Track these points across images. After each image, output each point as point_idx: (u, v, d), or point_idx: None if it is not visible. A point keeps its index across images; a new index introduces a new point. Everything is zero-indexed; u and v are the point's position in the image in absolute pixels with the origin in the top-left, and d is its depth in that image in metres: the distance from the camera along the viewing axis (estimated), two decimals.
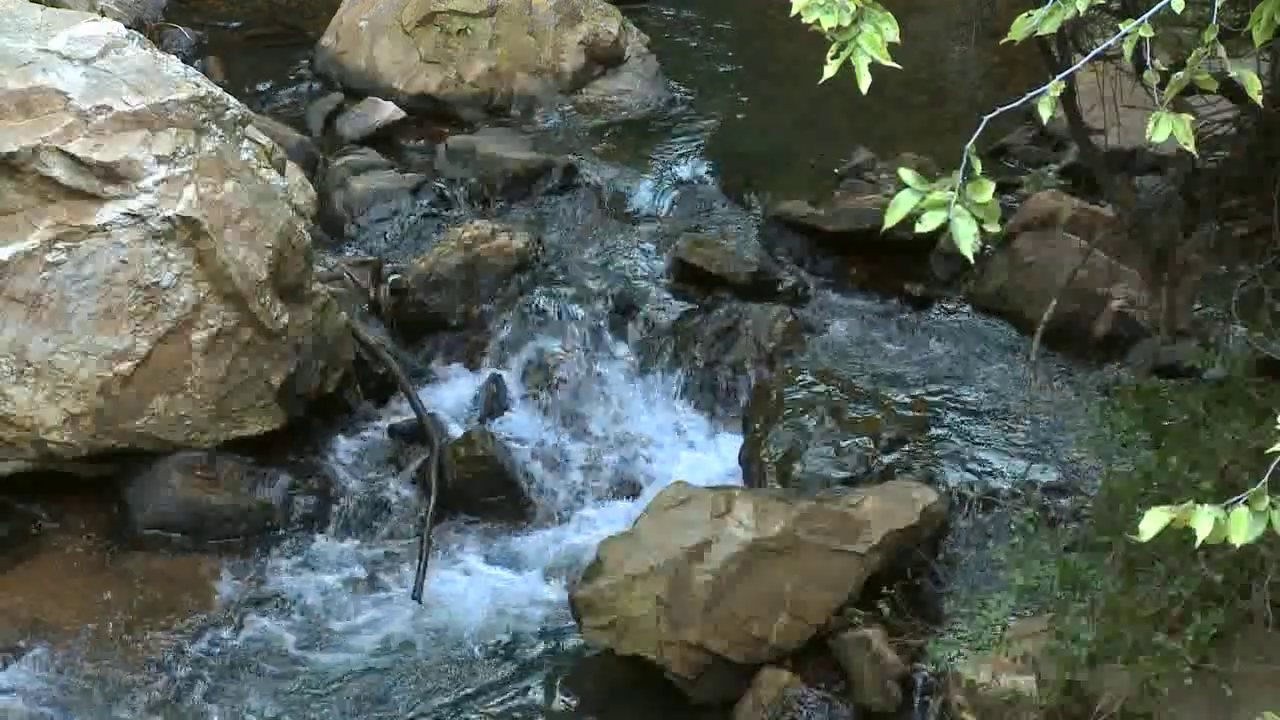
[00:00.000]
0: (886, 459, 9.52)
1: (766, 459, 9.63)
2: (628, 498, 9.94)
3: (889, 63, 4.24)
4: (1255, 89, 4.39)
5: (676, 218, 11.70)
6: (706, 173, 12.23)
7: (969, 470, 9.49)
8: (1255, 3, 4.39)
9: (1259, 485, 4.11)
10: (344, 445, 10.12)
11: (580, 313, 10.72)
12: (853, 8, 4.20)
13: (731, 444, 10.06)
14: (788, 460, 9.57)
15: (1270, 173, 7.40)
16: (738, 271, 11.00)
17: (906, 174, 4.18)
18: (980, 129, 4.22)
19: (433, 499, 9.69)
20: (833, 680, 8.46)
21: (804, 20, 4.23)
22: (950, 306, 11.00)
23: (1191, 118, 4.30)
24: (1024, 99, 4.37)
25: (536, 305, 10.76)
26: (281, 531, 9.64)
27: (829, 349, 10.62)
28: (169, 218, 9.36)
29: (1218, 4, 4.30)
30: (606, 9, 13.47)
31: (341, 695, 8.77)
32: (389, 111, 12.65)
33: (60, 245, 9.28)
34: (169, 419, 9.56)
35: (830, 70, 4.27)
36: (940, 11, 13.25)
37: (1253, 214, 7.79)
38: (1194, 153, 4.43)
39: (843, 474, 9.45)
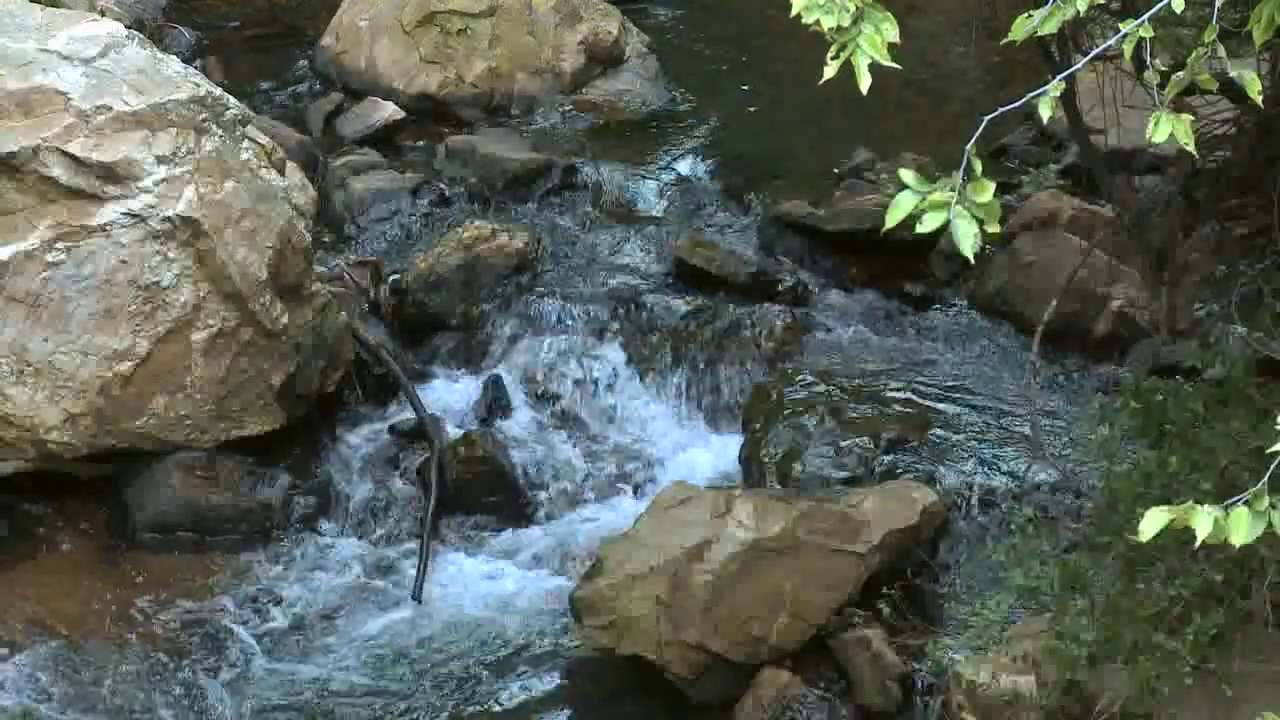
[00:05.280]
0: (886, 459, 9.52)
1: (766, 459, 9.62)
2: (628, 497, 9.94)
3: (889, 63, 4.24)
4: (1255, 89, 4.39)
5: (676, 218, 11.69)
6: (706, 173, 12.22)
7: (969, 470, 9.49)
8: (1255, 3, 4.40)
9: (1259, 485, 4.11)
10: (344, 445, 10.11)
11: (580, 313, 10.72)
12: (853, 8, 4.20)
13: (731, 444, 10.06)
14: (788, 460, 9.57)
15: (1270, 173, 7.40)
16: (738, 271, 11.00)
17: (906, 174, 4.18)
18: (980, 129, 4.22)
19: (433, 499, 9.69)
20: (833, 680, 8.46)
21: (804, 21, 4.23)
22: (950, 306, 11.00)
23: (1191, 118, 4.30)
24: (1024, 99, 4.37)
25: (536, 305, 10.75)
26: (281, 531, 9.64)
27: (829, 349, 10.61)
28: (169, 218, 9.36)
29: (1218, 4, 4.30)
30: (606, 9, 13.46)
31: (341, 695, 8.77)
32: (389, 111, 12.65)
33: (60, 245, 9.28)
34: (169, 419, 9.56)
35: (830, 71, 4.28)
36: (940, 11, 13.25)
37: (1253, 214, 7.80)
38: (1194, 153, 4.43)
39: (843, 474, 9.44)
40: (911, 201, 4.16)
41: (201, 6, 14.11)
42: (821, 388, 10.07)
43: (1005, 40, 4.46)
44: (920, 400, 10.06)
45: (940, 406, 10.01)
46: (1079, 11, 4.29)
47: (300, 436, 10.01)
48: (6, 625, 8.98)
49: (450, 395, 10.48)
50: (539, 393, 10.44)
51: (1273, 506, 4.10)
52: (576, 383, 10.45)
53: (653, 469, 10.09)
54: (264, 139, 10.13)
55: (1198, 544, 4.14)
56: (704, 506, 8.76)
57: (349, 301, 10.57)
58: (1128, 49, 4.29)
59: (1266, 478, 4.13)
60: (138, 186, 9.34)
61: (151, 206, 9.34)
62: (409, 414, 10.17)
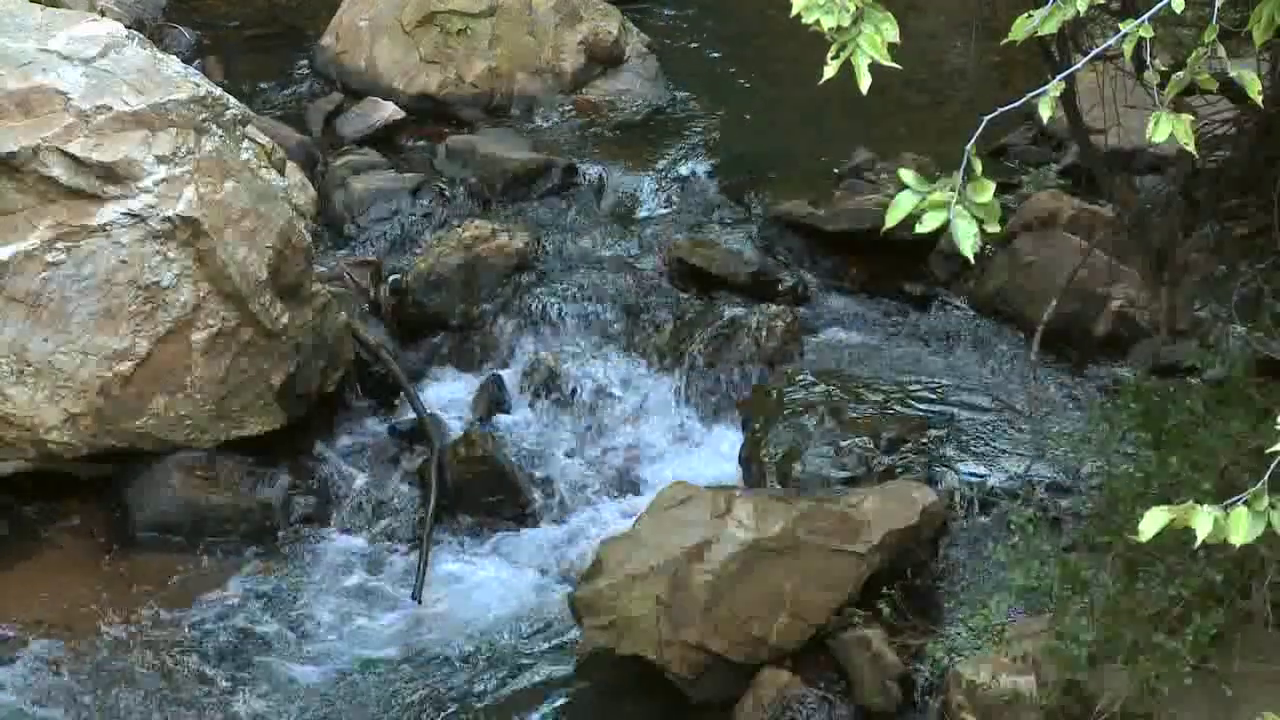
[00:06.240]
0: (886, 459, 9.52)
1: (766, 459, 9.62)
2: (628, 497, 9.94)
3: (889, 63, 4.24)
4: (1255, 89, 4.39)
5: (676, 218, 11.70)
6: (706, 173, 12.22)
7: (969, 470, 9.49)
8: (1255, 3, 4.40)
9: (1259, 485, 4.11)
10: (344, 445, 10.12)
11: (580, 313, 10.72)
12: (853, 8, 4.20)
13: (731, 444, 10.06)
14: (788, 460, 9.57)
15: (1270, 173, 7.40)
16: (738, 271, 11.00)
17: (906, 174, 4.18)
18: (980, 129, 4.22)
19: (433, 499, 9.69)
20: (833, 680, 8.45)
21: (804, 21, 4.23)
22: (950, 306, 11.00)
23: (1191, 118, 4.30)
24: (1024, 99, 4.37)
25: (536, 305, 10.76)
26: (281, 532, 9.64)
27: (829, 349, 10.61)
28: (169, 218, 9.36)
29: (1218, 4, 4.30)
30: (606, 9, 13.46)
31: (341, 696, 8.77)
32: (389, 111, 12.65)
33: (60, 245, 9.28)
34: (169, 419, 9.56)
35: (830, 70, 4.28)
36: (940, 11, 13.25)
37: (1253, 214, 7.80)
38: (1194, 153, 4.43)
39: (843, 474, 9.44)
40: (911, 201, 4.16)
41: (201, 6, 14.11)
42: (821, 388, 10.07)
43: (1005, 40, 4.46)
44: (920, 400, 10.06)
45: (940, 406, 10.01)
46: (1079, 11, 4.29)
47: (300, 436, 10.01)
48: (6, 625, 8.98)
49: (450, 395, 10.48)
50: (539, 392, 10.44)
51: (1273, 506, 4.10)
52: (576, 382, 10.45)
53: (653, 469, 10.09)
54: (264, 139, 10.13)
55: (1198, 544, 4.14)
56: (704, 506, 8.76)
57: (349, 301, 10.57)
58: (1128, 49, 4.29)
59: (1266, 478, 4.13)
60: (138, 186, 9.34)
61: (151, 206, 9.34)
62: (409, 414, 10.18)
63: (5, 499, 9.55)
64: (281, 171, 10.13)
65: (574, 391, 10.43)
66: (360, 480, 9.93)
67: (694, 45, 13.95)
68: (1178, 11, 4.21)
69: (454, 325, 10.80)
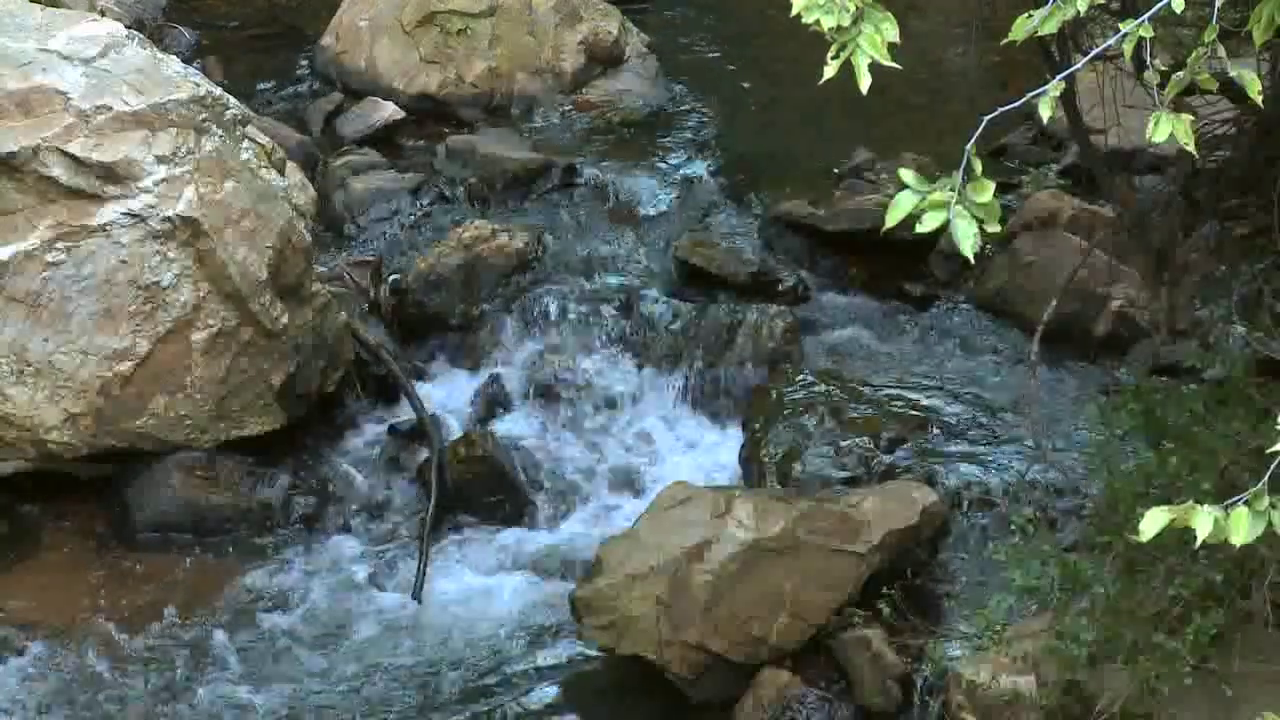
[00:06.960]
0: (886, 459, 9.52)
1: (766, 459, 9.62)
2: (628, 498, 9.94)
3: (889, 63, 4.24)
4: (1255, 89, 4.39)
5: (676, 218, 11.69)
6: (706, 173, 12.22)
7: (969, 470, 9.48)
8: (1255, 3, 4.40)
9: (1259, 485, 4.11)
10: (344, 445, 10.12)
11: (580, 312, 10.72)
12: (853, 8, 4.21)
13: (731, 444, 10.06)
14: (788, 460, 9.56)
15: (1270, 173, 7.40)
16: (738, 271, 11.00)
17: (906, 174, 4.19)
18: (980, 129, 4.22)
19: (433, 499, 9.69)
20: (833, 680, 8.45)
21: (804, 21, 4.23)
22: (950, 306, 10.99)
23: (1191, 118, 4.30)
24: (1024, 99, 4.37)
25: (536, 305, 10.75)
26: (281, 531, 9.65)
27: (829, 349, 10.61)
28: (169, 218, 9.36)
29: (1218, 4, 4.30)
30: (606, 9, 13.46)
31: (341, 696, 8.77)
32: (389, 111, 12.65)
33: (60, 245, 9.28)
34: (169, 419, 9.56)
35: (830, 70, 4.28)
36: (940, 11, 13.25)
37: (1253, 214, 7.80)
38: (1194, 153, 4.43)
39: (843, 474, 9.44)
40: (911, 201, 4.16)
41: (201, 6, 14.11)
42: (821, 388, 10.07)
43: (1005, 40, 4.46)
44: (920, 400, 10.06)
45: (940, 406, 10.01)
46: (1079, 11, 4.29)
47: (300, 436, 10.01)
48: (6, 625, 8.98)
49: (450, 395, 10.48)
50: (539, 392, 10.44)
51: (1273, 506, 4.10)
52: (576, 382, 10.45)
53: (653, 469, 10.08)
54: (264, 139, 10.13)
55: (1198, 544, 4.14)
56: (704, 506, 8.75)
57: (349, 301, 10.57)
58: (1128, 49, 4.29)
59: (1266, 478, 4.13)
60: (138, 186, 9.34)
61: (151, 206, 9.35)
62: (409, 414, 10.17)
63: (5, 499, 9.55)
64: (281, 171, 10.13)
65: (573, 391, 10.43)
66: (360, 480, 9.94)
67: (694, 45, 13.95)
68: (1178, 11, 4.21)
69: (454, 325, 10.80)
